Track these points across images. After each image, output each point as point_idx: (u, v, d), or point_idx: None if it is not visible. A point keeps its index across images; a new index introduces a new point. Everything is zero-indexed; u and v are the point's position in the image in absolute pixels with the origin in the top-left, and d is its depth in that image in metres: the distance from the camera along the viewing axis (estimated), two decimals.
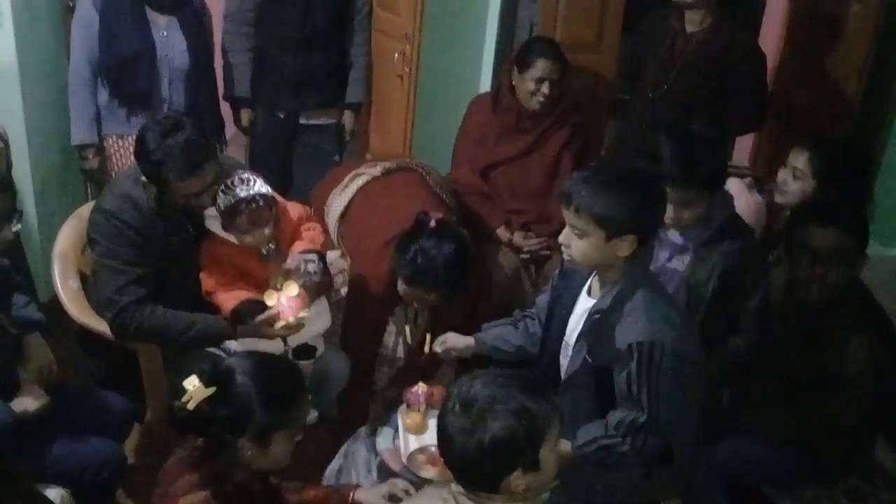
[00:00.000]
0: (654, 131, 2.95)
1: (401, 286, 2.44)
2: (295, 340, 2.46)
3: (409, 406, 2.30)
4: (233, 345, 2.38)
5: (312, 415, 2.49)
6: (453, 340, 2.37)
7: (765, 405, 2.33)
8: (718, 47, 3.01)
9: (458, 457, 1.47)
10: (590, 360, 1.94)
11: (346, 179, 2.82)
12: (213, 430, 1.68)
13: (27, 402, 2.07)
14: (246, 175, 2.34)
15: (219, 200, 2.31)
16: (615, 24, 3.45)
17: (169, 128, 2.22)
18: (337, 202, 2.79)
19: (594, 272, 1.99)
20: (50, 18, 3.25)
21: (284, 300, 2.30)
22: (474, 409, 1.45)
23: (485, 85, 3.55)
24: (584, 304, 2.02)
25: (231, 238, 2.37)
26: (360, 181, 2.80)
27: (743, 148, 3.74)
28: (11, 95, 3.03)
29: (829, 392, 2.16)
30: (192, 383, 1.66)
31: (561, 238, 1.92)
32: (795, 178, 2.66)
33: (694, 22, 3.04)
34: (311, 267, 2.39)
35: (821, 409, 2.17)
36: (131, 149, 2.33)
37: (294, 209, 2.52)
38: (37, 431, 2.10)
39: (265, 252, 2.41)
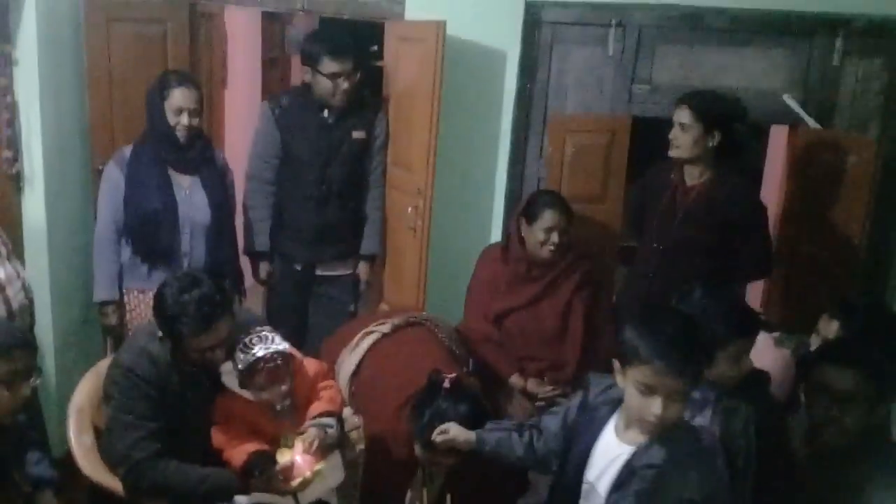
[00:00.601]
0: (663, 281, 3.03)
1: (418, 450, 2.44)
2: (307, 496, 2.42)
3: None
4: (242, 500, 2.34)
5: None
6: (455, 432, 2.33)
7: None
8: (718, 200, 3.07)
9: None
10: None
11: (357, 338, 2.84)
12: None
13: None
14: (264, 332, 2.38)
15: (237, 358, 2.34)
16: (619, 176, 3.56)
17: (186, 284, 2.28)
18: (348, 362, 2.81)
19: (619, 409, 1.98)
20: (79, 181, 3.39)
21: (299, 456, 2.28)
22: None
23: (495, 236, 3.65)
24: (612, 446, 1.98)
25: (247, 394, 2.38)
26: (370, 340, 2.82)
27: (753, 294, 3.77)
28: (39, 253, 3.14)
29: None
30: None
31: (659, 413, 1.85)
32: None
33: (693, 175, 3.12)
34: (330, 431, 2.39)
35: None
36: (151, 303, 2.40)
37: (311, 365, 2.53)
38: None
39: (279, 408, 2.41)
